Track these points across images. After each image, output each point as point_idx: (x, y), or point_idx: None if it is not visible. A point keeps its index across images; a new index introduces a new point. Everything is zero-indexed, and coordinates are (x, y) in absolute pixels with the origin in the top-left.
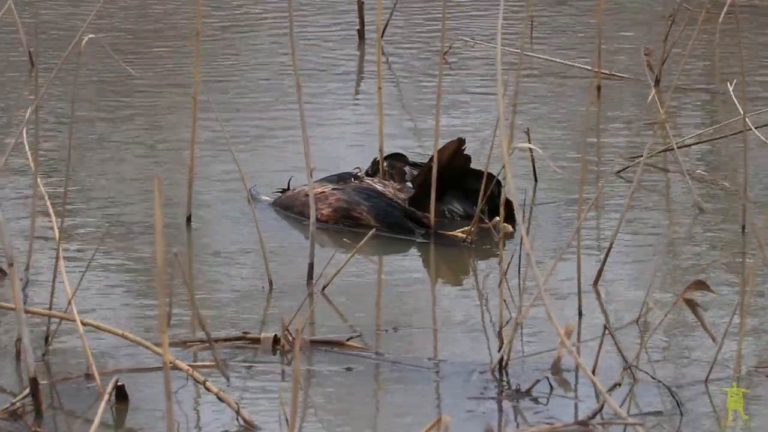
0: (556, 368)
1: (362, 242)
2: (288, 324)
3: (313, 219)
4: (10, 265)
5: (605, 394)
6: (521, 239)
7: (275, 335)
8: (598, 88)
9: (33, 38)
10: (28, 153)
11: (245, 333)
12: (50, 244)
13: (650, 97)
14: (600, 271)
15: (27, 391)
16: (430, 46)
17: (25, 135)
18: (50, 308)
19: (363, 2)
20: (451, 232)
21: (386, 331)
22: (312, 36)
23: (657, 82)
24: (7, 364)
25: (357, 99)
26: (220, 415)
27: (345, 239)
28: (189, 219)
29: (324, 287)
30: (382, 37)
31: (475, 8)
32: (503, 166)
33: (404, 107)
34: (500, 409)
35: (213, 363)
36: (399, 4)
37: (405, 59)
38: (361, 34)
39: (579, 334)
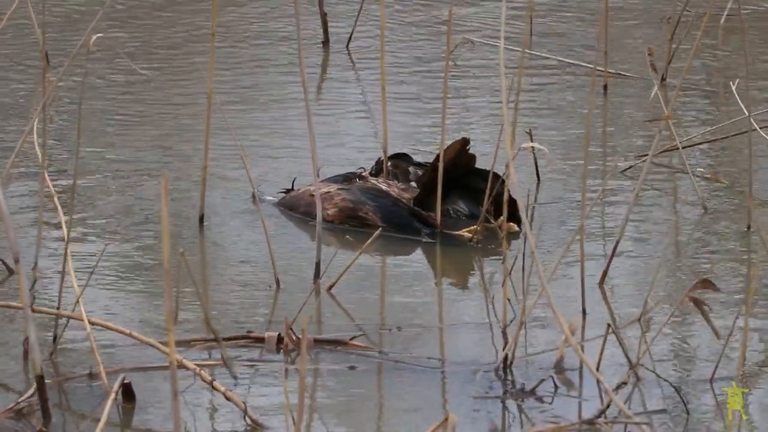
0: (559, 367)
1: (369, 241)
2: (291, 323)
3: (319, 218)
4: (16, 261)
5: (611, 392)
6: (524, 239)
7: (279, 334)
8: (605, 87)
9: (43, 37)
10: (38, 151)
11: (249, 332)
12: (58, 242)
13: (652, 94)
14: (606, 271)
15: (33, 390)
16: (411, 49)
17: (35, 133)
18: (58, 307)
19: (326, 13)
20: (457, 232)
21: (389, 330)
22: (278, 48)
23: (663, 80)
24: (15, 364)
25: (338, 105)
26: (227, 414)
27: (348, 237)
28: (202, 218)
29: (331, 286)
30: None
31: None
32: (506, 167)
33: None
34: (505, 409)
35: (220, 362)
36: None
37: (374, 68)
38: (326, 45)
39: (583, 332)
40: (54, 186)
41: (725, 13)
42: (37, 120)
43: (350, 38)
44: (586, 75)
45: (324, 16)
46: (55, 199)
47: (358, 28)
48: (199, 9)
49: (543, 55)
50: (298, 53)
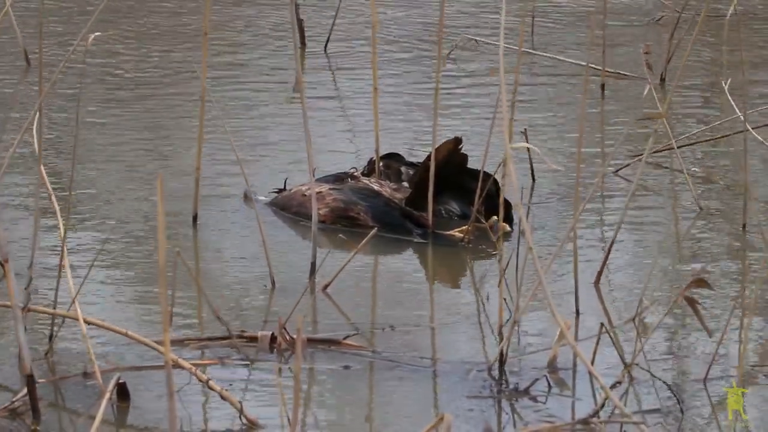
0: (553, 366)
1: (364, 241)
2: (284, 323)
3: (315, 218)
4: (5, 261)
5: (608, 391)
6: (518, 238)
7: (272, 333)
8: (602, 86)
9: (35, 38)
10: (36, 146)
11: (242, 331)
12: (54, 242)
13: (645, 92)
14: (601, 270)
15: (26, 389)
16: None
17: (35, 132)
18: (54, 307)
19: (302, 20)
20: (448, 232)
21: (383, 329)
22: (258, 53)
23: (662, 80)
24: (11, 363)
25: (322, 107)
26: (222, 413)
27: (341, 236)
28: (195, 218)
29: (326, 286)
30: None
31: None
32: (500, 164)
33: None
34: (499, 408)
35: (216, 361)
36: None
37: (353, 68)
38: (303, 48)
39: (576, 332)
40: (51, 185)
41: (728, 14)
42: (35, 120)
43: (328, 41)
44: (583, 74)
45: (300, 22)
46: (53, 197)
47: (334, 30)
48: (190, 10)
49: (541, 54)
50: (295, 55)
